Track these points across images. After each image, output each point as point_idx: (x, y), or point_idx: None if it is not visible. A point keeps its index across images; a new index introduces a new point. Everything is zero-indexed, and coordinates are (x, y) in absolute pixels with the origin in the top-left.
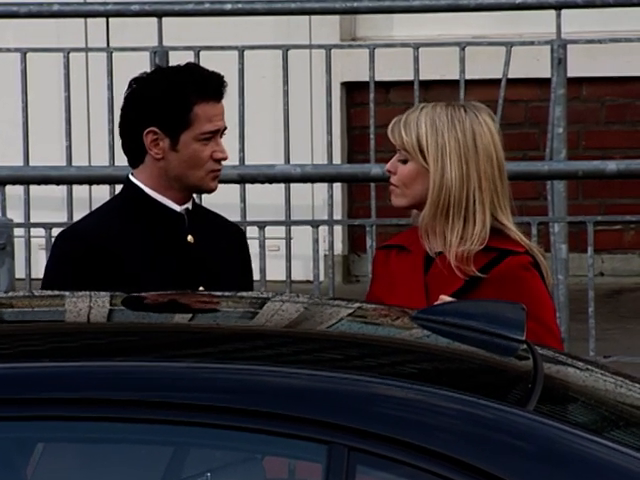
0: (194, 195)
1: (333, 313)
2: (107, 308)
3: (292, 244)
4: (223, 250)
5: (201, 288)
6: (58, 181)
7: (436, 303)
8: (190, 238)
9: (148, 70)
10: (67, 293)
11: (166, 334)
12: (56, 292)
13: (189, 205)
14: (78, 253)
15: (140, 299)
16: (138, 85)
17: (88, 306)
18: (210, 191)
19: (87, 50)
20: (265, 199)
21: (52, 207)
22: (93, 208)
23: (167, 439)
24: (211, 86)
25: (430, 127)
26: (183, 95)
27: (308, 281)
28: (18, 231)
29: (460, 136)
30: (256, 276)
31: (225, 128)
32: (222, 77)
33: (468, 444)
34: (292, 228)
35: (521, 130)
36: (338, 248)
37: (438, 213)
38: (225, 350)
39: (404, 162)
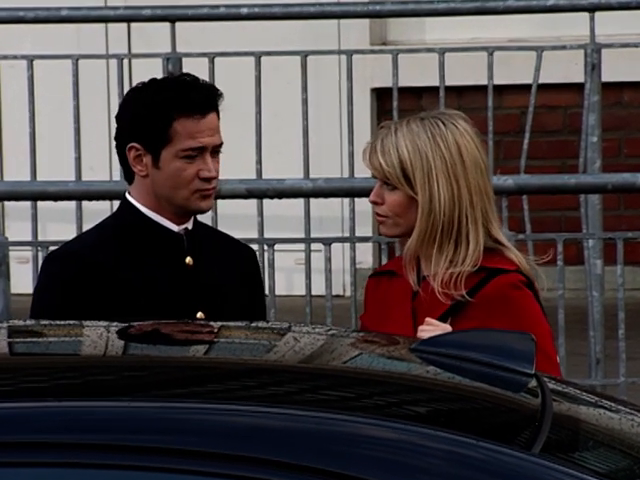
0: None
1: (327, 346)
2: (82, 340)
3: (320, 259)
4: (228, 273)
5: (200, 313)
6: (56, 197)
7: (421, 327)
8: (189, 260)
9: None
10: (37, 323)
11: (144, 371)
12: (29, 322)
13: (189, 225)
14: (68, 275)
15: (121, 330)
16: (126, 97)
17: (60, 338)
18: (200, 211)
19: (106, 57)
20: (287, 212)
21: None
22: None
23: None
24: (194, 100)
25: (412, 150)
26: (163, 109)
27: (338, 295)
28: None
29: (445, 153)
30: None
31: (220, 144)
32: (211, 90)
33: None
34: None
35: (559, 138)
36: (369, 262)
37: (425, 240)
38: (208, 389)
39: (391, 189)
